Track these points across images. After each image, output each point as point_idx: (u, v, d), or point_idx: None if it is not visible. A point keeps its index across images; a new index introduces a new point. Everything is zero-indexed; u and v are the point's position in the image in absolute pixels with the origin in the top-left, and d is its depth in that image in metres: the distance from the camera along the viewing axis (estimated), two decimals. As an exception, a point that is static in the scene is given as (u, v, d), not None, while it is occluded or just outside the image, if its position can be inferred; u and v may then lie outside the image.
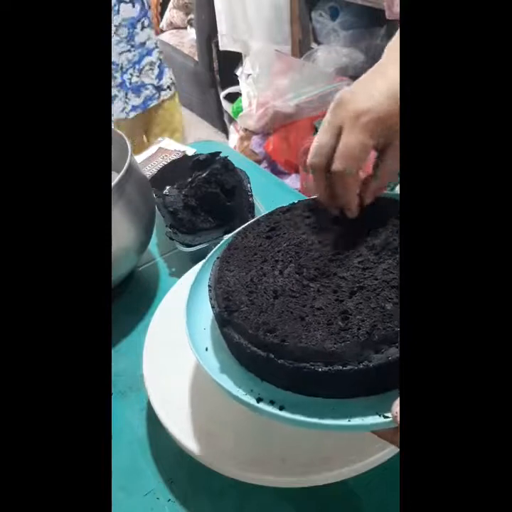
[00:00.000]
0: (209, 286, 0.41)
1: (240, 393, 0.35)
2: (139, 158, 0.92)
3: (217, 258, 0.43)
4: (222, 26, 2.06)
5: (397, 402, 0.30)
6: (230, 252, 0.43)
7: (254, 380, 0.37)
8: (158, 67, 1.60)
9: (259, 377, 0.37)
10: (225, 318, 0.37)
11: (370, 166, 0.42)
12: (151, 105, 1.65)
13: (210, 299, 0.40)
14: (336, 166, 0.38)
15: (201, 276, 0.45)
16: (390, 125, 0.38)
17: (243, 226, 0.46)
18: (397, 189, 1.41)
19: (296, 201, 0.47)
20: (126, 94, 1.58)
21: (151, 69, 1.58)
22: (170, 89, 1.66)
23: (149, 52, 1.57)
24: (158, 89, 1.63)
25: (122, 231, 0.56)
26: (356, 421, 0.32)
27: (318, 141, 0.40)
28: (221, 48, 2.13)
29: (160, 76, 1.61)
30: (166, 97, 1.66)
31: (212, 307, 0.39)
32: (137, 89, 1.60)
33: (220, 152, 0.74)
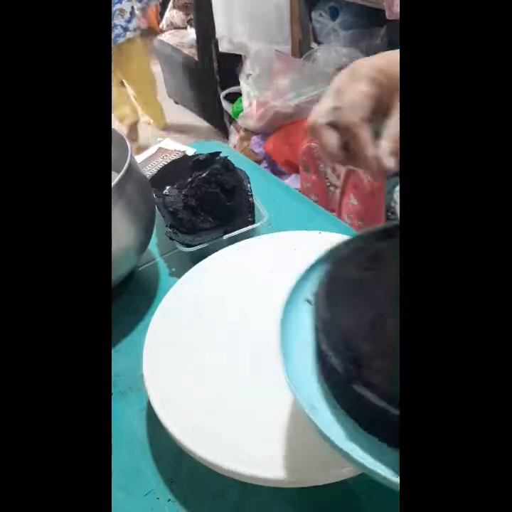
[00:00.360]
0: (316, 327, 0.34)
1: (375, 466, 0.29)
2: (138, 158, 0.92)
3: (316, 294, 0.36)
4: (220, 28, 2.06)
5: None
6: (330, 286, 0.36)
7: (379, 445, 0.31)
8: (130, 13, 2.23)
9: (387, 442, 0.31)
10: (353, 376, 0.30)
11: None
12: (119, 41, 2.25)
13: (321, 344, 0.33)
14: (342, 118, 0.37)
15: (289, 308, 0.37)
16: (389, 74, 0.38)
17: (332, 250, 0.39)
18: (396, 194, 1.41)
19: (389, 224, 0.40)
20: None
21: (120, 14, 2.20)
22: (135, 32, 2.29)
23: (119, 1, 2.18)
24: (125, 29, 2.25)
25: (122, 231, 0.56)
26: None
27: (319, 104, 0.40)
28: (221, 50, 2.13)
29: (129, 21, 2.24)
30: (131, 36, 2.28)
31: (327, 356, 0.32)
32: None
33: (219, 152, 0.74)
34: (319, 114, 0.39)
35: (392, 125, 0.38)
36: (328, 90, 0.40)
